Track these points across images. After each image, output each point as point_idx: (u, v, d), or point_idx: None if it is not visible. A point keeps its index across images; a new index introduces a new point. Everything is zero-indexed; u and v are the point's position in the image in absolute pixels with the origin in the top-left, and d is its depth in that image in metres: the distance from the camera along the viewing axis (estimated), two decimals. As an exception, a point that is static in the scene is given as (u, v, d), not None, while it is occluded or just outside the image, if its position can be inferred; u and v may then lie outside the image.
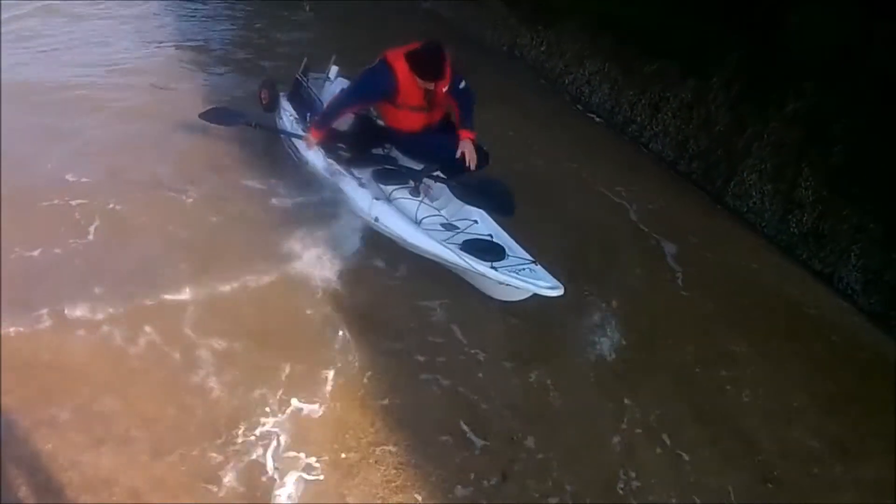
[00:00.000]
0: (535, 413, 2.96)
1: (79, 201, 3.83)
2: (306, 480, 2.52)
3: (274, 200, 4.08)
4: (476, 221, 3.59)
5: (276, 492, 2.46)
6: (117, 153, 4.38)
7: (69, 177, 4.05)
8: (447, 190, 3.74)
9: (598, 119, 5.80)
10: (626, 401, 3.06)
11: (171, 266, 3.41)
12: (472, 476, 2.63)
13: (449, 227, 3.56)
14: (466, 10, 7.53)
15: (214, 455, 2.55)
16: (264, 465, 2.55)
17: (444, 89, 3.67)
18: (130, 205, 3.86)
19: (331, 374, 2.96)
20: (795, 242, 4.23)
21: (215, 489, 2.45)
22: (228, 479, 2.48)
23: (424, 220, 3.58)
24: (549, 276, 3.14)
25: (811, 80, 4.24)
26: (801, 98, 4.29)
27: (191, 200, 3.99)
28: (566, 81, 6.17)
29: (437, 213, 3.70)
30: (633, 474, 2.74)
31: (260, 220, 3.87)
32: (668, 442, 2.90)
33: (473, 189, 3.67)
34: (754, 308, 3.77)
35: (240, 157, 4.44)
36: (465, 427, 2.82)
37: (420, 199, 3.71)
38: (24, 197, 3.80)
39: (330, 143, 3.98)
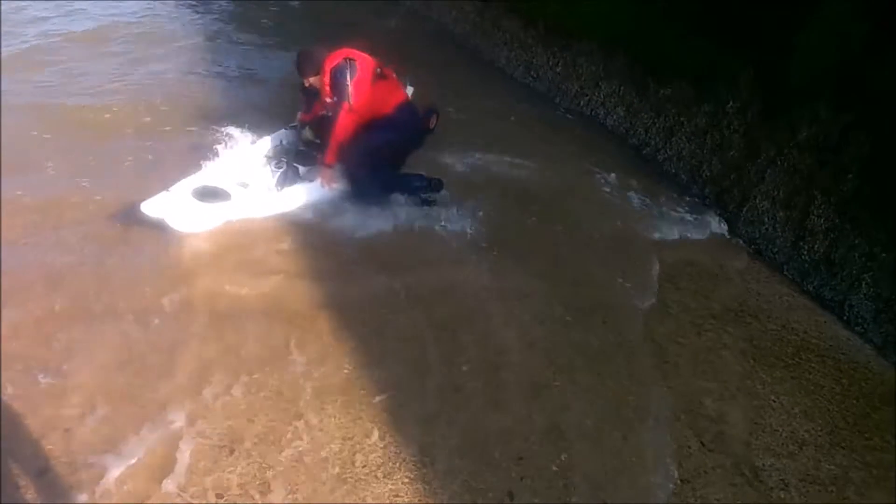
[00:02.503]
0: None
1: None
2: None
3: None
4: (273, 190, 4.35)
5: None
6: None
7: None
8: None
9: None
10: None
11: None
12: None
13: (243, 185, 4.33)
14: (482, 29, 7.64)
15: None
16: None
17: (327, 99, 4.34)
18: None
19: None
20: (807, 270, 4.26)
21: None
22: None
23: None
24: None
25: (824, 105, 4.28)
26: (815, 124, 4.33)
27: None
28: (581, 103, 6.25)
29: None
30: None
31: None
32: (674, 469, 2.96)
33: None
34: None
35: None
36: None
37: (281, 169, 4.49)
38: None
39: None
